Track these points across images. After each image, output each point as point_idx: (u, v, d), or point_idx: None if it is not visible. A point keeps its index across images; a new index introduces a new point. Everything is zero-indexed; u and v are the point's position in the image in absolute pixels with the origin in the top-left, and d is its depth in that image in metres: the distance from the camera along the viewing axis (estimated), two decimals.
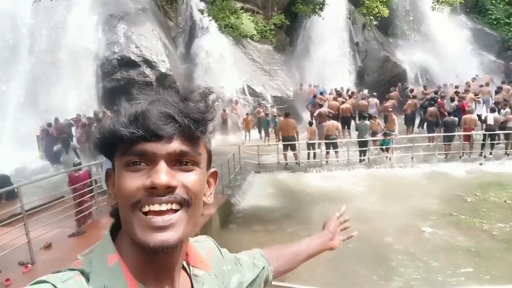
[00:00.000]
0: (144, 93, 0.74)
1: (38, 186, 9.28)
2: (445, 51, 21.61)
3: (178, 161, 0.71)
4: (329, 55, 21.13)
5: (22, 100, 15.82)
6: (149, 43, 18.18)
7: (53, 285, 0.66)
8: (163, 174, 0.67)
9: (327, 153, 12.63)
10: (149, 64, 17.83)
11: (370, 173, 11.78)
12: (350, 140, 13.50)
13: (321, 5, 16.23)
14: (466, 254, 6.97)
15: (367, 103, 16.67)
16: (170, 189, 0.68)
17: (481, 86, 17.10)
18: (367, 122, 12.66)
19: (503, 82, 17.48)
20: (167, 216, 0.69)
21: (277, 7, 23.48)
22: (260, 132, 16.80)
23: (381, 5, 14.55)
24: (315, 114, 14.59)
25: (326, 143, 12.54)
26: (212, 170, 0.83)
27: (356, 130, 13.42)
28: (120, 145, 0.69)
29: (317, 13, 16.50)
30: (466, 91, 16.34)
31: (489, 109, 13.58)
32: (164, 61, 18.26)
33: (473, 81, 18.21)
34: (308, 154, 12.84)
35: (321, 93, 18.53)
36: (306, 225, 8.57)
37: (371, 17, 15.15)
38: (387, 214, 8.91)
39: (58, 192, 8.49)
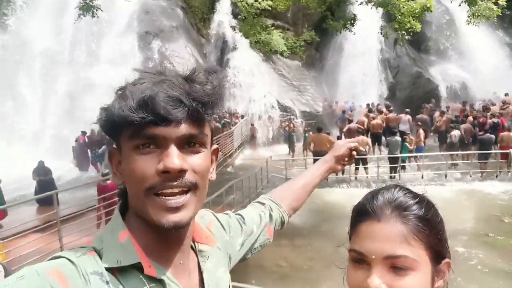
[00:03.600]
0: (148, 73, 0.75)
1: (72, 194, 9.63)
2: (481, 67, 20.95)
3: (186, 143, 0.72)
4: (360, 71, 20.98)
5: (60, 111, 16.57)
6: (182, 59, 18.73)
7: (68, 259, 0.68)
8: (175, 158, 0.69)
9: (356, 169, 12.42)
10: None
11: None
12: (380, 156, 13.21)
13: (352, 21, 16.21)
14: (503, 277, 6.61)
15: (398, 118, 16.33)
16: (181, 173, 0.71)
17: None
18: (397, 138, 12.39)
19: None
20: (179, 197, 0.71)
21: (307, 24, 23.67)
22: (289, 146, 16.78)
23: (413, 19, 14.34)
24: (344, 130, 14.44)
25: (356, 159, 12.33)
26: (214, 147, 0.84)
27: (387, 146, 13.15)
28: (129, 128, 0.70)
29: (348, 29, 16.48)
30: (502, 108, 15.67)
31: None
32: None
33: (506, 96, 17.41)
34: None
35: (350, 109, 18.36)
36: (333, 241, 8.40)
37: (403, 32, 14.94)
38: None
39: (91, 200, 8.75)
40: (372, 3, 14.31)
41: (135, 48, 18.24)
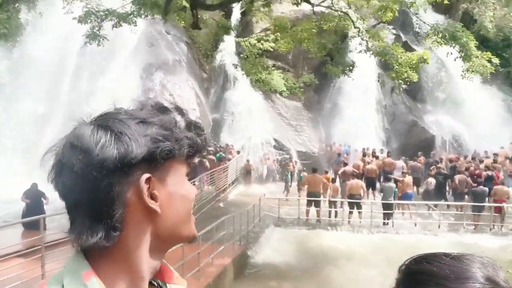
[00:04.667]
0: (152, 114, 0.77)
1: (64, 218, 9.34)
2: (475, 120, 21.39)
3: None
4: (357, 115, 21.29)
5: (56, 134, 16.52)
6: (183, 91, 18.99)
7: None
8: None
9: (350, 212, 12.33)
10: (180, 111, 18.47)
11: (393, 239, 11.30)
12: (374, 202, 13.15)
13: (351, 67, 16.69)
14: None
15: (393, 163, 16.46)
16: None
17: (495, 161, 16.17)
18: (392, 184, 12.41)
19: None
20: None
21: (307, 67, 24.28)
22: (285, 185, 16.68)
23: (410, 70, 14.77)
24: (339, 172, 14.47)
25: (349, 203, 12.29)
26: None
27: (381, 192, 13.14)
28: (178, 157, 0.75)
29: (346, 74, 16.92)
30: (494, 160, 15.86)
31: None
32: (194, 109, 18.91)
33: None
34: (329, 212, 12.58)
35: (346, 153, 18.50)
36: (322, 286, 8.20)
37: (400, 81, 15.34)
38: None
39: None
40: (371, 52, 14.77)
41: (137, 78, 18.52)
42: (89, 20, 12.72)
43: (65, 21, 13.57)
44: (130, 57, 18.95)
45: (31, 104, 16.87)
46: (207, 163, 15.34)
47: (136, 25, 13.82)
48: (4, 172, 13.99)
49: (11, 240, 7.49)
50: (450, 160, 16.64)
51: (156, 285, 0.82)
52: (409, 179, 13.37)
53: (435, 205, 13.09)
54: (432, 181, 13.53)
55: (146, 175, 0.70)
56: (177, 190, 0.76)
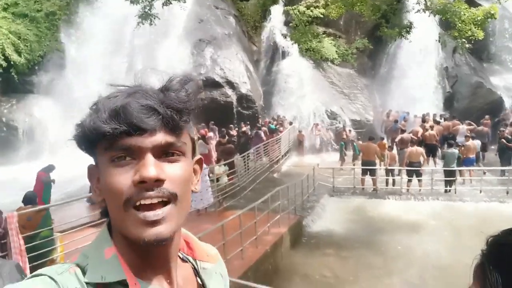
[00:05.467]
0: (121, 86, 0.74)
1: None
2: None
3: (163, 153, 0.70)
4: (415, 80, 20.14)
5: None
6: (233, 65, 19.09)
7: (50, 277, 0.66)
8: (151, 167, 0.67)
9: (409, 180, 11.91)
10: (231, 85, 18.66)
11: (456, 206, 10.80)
12: (435, 169, 12.56)
13: (408, 28, 15.63)
14: None
15: (456, 128, 15.52)
16: (158, 183, 0.68)
17: None
18: (454, 150, 11.71)
19: None
20: (158, 210, 0.68)
21: (360, 32, 23.23)
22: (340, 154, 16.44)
23: (475, 27, 13.55)
24: (396, 140, 13.94)
25: (408, 171, 11.86)
26: (197, 157, 0.81)
27: (443, 158, 12.51)
28: (103, 141, 0.68)
29: (403, 36, 15.92)
30: None
31: None
32: (245, 82, 18.99)
33: None
34: (387, 180, 12.24)
35: (404, 119, 17.70)
36: (379, 254, 8.11)
37: (463, 40, 14.14)
38: (470, 250, 8.05)
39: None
40: (430, 11, 13.71)
41: (188, 55, 18.86)
42: (140, 0, 13.03)
43: (119, 3, 13.93)
44: (181, 35, 19.29)
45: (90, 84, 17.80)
46: (262, 135, 15.46)
47: (185, 2, 13.92)
48: (69, 150, 15.05)
49: (79, 214, 8.11)
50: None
51: (188, 262, 0.86)
52: (472, 143, 12.55)
53: (503, 171, 12.25)
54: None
55: (91, 164, 0.75)
56: (103, 180, 0.71)
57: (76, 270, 0.69)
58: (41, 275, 0.66)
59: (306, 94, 19.46)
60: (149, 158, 0.67)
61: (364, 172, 12.13)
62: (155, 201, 0.68)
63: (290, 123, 18.25)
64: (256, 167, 13.26)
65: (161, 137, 0.68)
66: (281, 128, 17.14)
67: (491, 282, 0.63)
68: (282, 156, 16.22)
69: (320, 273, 7.45)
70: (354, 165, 13.25)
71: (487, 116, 16.93)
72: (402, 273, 7.31)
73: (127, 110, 0.66)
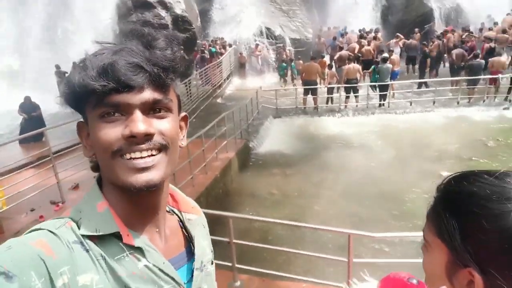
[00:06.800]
0: (107, 43, 0.75)
1: (63, 129, 9.46)
2: None
3: (151, 109, 0.73)
4: None
5: (39, 38, 15.72)
6: None
7: (49, 231, 0.69)
8: (140, 123, 0.70)
9: (347, 97, 12.43)
10: (164, 5, 17.31)
11: (390, 118, 11.63)
12: (370, 84, 13.16)
13: None
14: None
15: (388, 44, 16.08)
16: (148, 137, 0.71)
17: (504, 31, 15.42)
18: (388, 65, 12.23)
19: None
20: (147, 158, 0.72)
21: None
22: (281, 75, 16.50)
23: None
24: (335, 57, 14.18)
25: (346, 87, 12.31)
26: (182, 114, 0.84)
27: (378, 73, 13.04)
28: (91, 98, 0.70)
29: None
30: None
31: None
32: (179, 1, 17.69)
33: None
34: (327, 98, 12.68)
35: (341, 35, 17.86)
36: (321, 169, 8.71)
37: None
38: (404, 158, 8.93)
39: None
40: None
41: None
42: None
43: None
44: None
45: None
46: (205, 58, 15.00)
47: None
48: None
49: (18, 155, 7.70)
50: (443, 34, 16.03)
51: (173, 213, 0.91)
52: (396, 57, 13.24)
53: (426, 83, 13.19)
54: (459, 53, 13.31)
55: (80, 121, 0.78)
56: (93, 134, 0.74)
57: (72, 224, 0.72)
58: (40, 229, 0.70)
59: (244, 12, 18.68)
60: (138, 114, 0.70)
61: (306, 92, 12.40)
62: (144, 154, 0.71)
63: (230, 45, 17.72)
64: (198, 93, 13.02)
65: (148, 94, 0.71)
66: (222, 51, 16.63)
67: (448, 227, 0.67)
68: (225, 80, 15.99)
69: (268, 192, 7.92)
70: (294, 85, 13.43)
71: (416, 30, 17.56)
72: (342, 185, 7.98)
73: (114, 68, 0.68)
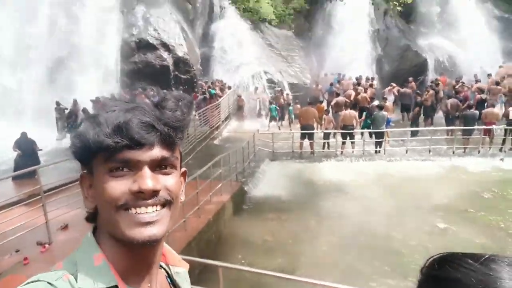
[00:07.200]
0: (117, 100, 0.79)
1: (57, 167, 9.43)
2: (469, 40, 20.88)
3: (158, 166, 0.76)
4: (349, 42, 20.70)
5: (42, 82, 15.97)
6: (167, 26, 18.16)
7: (48, 283, 0.69)
8: (149, 179, 0.73)
9: (343, 143, 12.50)
10: (167, 47, 17.84)
11: (386, 165, 11.63)
12: (366, 131, 13.29)
13: None
14: (482, 252, 6.87)
15: (382, 93, 16.46)
16: (155, 193, 0.74)
17: (497, 83, 15.80)
18: (384, 112, 12.42)
19: None
20: (152, 212, 0.74)
21: None
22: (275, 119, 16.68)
23: None
24: (332, 103, 14.43)
25: (342, 133, 12.42)
26: (182, 169, 0.86)
27: (373, 121, 13.22)
28: (102, 153, 0.73)
29: None
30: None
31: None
32: (181, 44, 18.24)
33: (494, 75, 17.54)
34: (324, 144, 12.75)
35: (338, 82, 18.28)
36: (318, 216, 8.58)
37: (395, 3, 14.68)
38: (400, 208, 8.84)
39: (76, 174, 8.56)
40: None
41: (117, 14, 17.53)
42: None
43: None
44: None
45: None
46: (206, 100, 15.26)
47: None
48: None
49: (9, 191, 7.57)
50: (436, 84, 16.44)
51: (161, 267, 0.91)
52: (389, 104, 13.52)
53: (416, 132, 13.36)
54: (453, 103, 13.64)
55: (84, 172, 0.79)
56: (97, 188, 0.76)
57: (70, 277, 0.72)
58: (39, 281, 0.69)
59: (244, 57, 19.19)
60: (146, 170, 0.73)
61: (302, 136, 12.49)
62: (150, 210, 0.74)
63: (229, 88, 18.05)
64: (196, 134, 13.09)
65: (157, 152, 0.74)
66: (220, 93, 16.91)
67: None
68: (222, 121, 16.14)
69: (262, 238, 7.74)
70: (291, 129, 13.55)
71: (410, 79, 18.00)
72: (337, 233, 7.83)
73: (128, 126, 0.72)
